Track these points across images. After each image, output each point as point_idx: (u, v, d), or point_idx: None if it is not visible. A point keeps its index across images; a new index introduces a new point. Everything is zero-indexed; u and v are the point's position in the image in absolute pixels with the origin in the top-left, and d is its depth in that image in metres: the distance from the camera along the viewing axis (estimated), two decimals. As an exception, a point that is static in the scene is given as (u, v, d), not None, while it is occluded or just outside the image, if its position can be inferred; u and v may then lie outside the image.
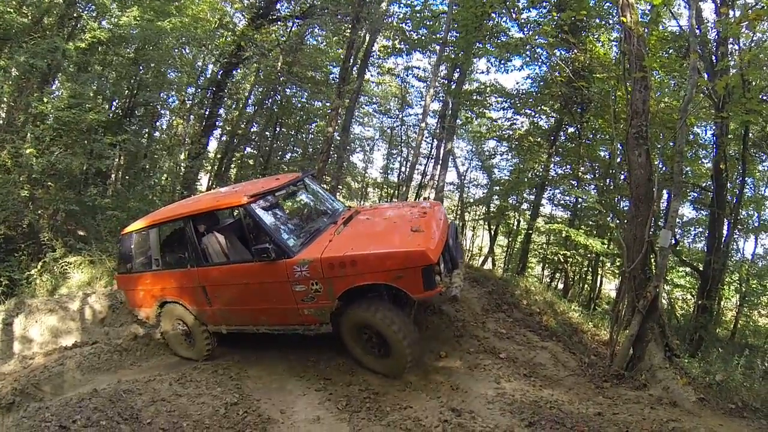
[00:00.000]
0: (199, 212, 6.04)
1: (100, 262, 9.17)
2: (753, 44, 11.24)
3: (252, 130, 19.01)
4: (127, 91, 15.01)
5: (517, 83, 29.12)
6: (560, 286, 17.63)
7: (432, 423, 4.17)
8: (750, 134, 11.65)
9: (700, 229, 15.50)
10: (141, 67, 14.46)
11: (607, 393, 5.21)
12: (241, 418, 4.12)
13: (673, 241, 10.33)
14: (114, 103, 15.22)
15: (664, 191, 11.59)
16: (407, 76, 20.15)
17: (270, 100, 18.36)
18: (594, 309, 14.35)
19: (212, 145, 18.09)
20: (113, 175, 15.10)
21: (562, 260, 15.30)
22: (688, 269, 14.57)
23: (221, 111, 16.83)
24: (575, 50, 12.48)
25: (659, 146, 11.86)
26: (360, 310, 5.12)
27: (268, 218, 5.52)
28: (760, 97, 10.88)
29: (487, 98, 17.44)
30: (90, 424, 3.60)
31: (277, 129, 19.77)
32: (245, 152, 19.56)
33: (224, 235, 6.19)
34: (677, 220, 12.77)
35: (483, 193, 20.25)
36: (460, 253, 5.94)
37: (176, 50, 15.19)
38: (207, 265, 5.77)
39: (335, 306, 5.14)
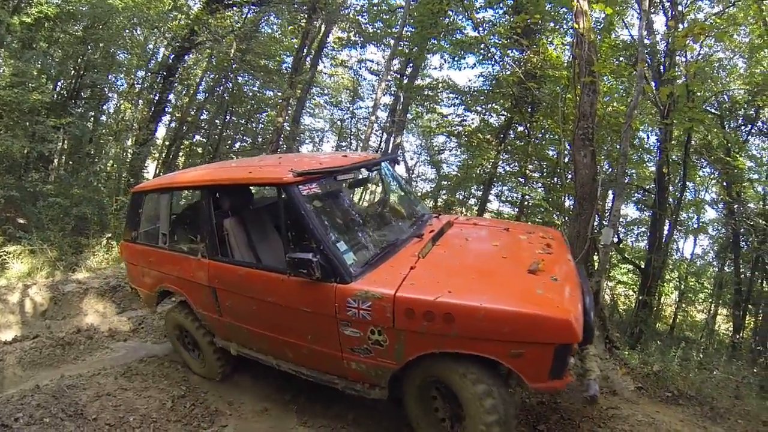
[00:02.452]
0: (224, 183, 4.34)
1: (41, 252, 8.62)
2: (699, 57, 11.59)
3: (202, 117, 18.52)
4: (73, 72, 14.29)
5: (470, 81, 29.54)
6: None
7: None
8: (692, 141, 12.02)
9: (643, 229, 16.20)
10: (89, 47, 13.71)
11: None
12: (189, 411, 4.05)
13: (616, 239, 10.22)
14: (59, 84, 14.48)
15: (609, 191, 12.06)
16: (360, 69, 20.05)
17: (221, 88, 17.77)
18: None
19: (160, 132, 17.54)
20: (56, 160, 14.15)
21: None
22: (630, 266, 15.20)
23: (171, 97, 16.29)
24: (528, 52, 12.53)
25: (606, 148, 11.97)
26: (441, 363, 3.23)
27: (318, 213, 3.65)
28: (703, 106, 11.31)
29: (439, 94, 17.30)
30: (33, 421, 3.51)
31: (228, 117, 19.10)
32: (194, 140, 18.93)
33: (255, 225, 4.55)
34: (620, 219, 13.21)
35: (431, 187, 20.25)
36: (591, 317, 3.29)
37: (127, 31, 14.37)
38: (223, 261, 4.09)
39: (399, 368, 3.34)
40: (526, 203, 16.19)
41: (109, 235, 9.68)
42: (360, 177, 4.58)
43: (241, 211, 4.55)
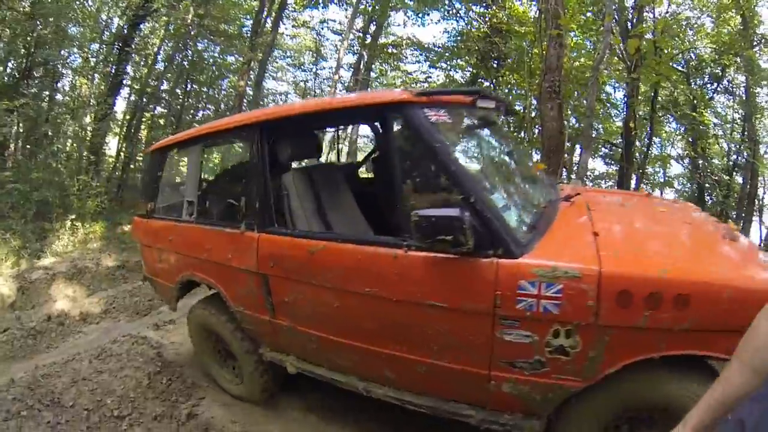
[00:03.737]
0: (284, 116, 2.94)
1: (3, 242, 7.96)
2: (667, 15, 11.36)
3: (162, 88, 17.68)
4: (23, 51, 13.14)
5: (434, 37, 28.92)
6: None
7: None
8: (659, 97, 11.92)
9: (610, 183, 16.02)
10: (38, 23, 12.66)
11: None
12: (166, 386, 3.95)
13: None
14: (9, 65, 13.45)
15: (577, 145, 12.14)
16: (323, 29, 19.10)
17: (180, 56, 17.01)
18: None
19: (120, 106, 16.56)
20: (12, 145, 13.35)
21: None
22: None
23: (128, 68, 15.40)
24: (494, 7, 12.15)
25: (572, 103, 11.67)
26: (650, 378, 2.03)
27: (457, 154, 2.28)
28: (670, 64, 10.95)
29: (403, 51, 17.13)
30: (11, 416, 3.37)
31: (189, 86, 18.33)
32: (155, 112, 18.02)
33: (326, 187, 3.25)
34: (588, 172, 12.65)
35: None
36: None
37: (77, 2, 13.52)
38: (283, 233, 2.76)
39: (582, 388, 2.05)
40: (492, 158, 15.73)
41: (73, 216, 8.74)
42: (493, 114, 3.12)
43: (310, 161, 3.25)
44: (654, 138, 12.79)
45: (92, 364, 4.22)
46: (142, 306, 6.07)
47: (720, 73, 12.95)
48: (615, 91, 14.15)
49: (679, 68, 12.39)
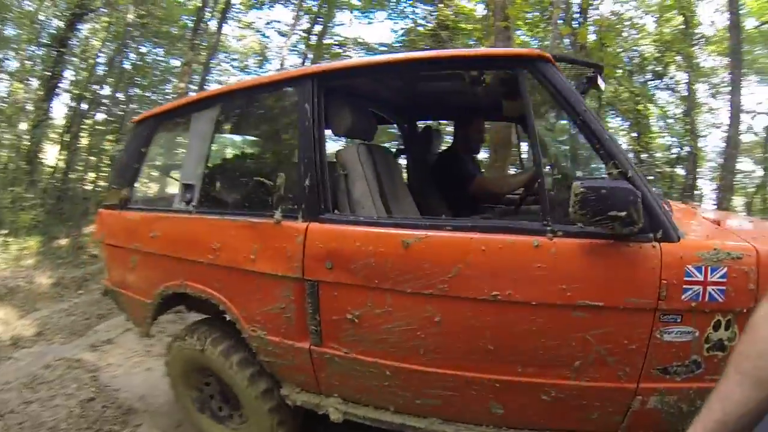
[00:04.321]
0: (351, 68, 2.21)
1: None
2: (611, 14, 11.57)
3: (103, 92, 15.52)
4: None
5: (381, 37, 28.54)
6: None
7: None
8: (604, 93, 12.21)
9: None
10: None
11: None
12: (100, 414, 3.37)
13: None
14: None
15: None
16: (268, 29, 18.26)
17: (122, 59, 15.13)
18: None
19: (59, 112, 14.57)
20: None
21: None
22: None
23: (67, 72, 13.62)
24: (440, 4, 11.88)
25: None
26: None
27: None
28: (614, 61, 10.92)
29: (348, 51, 15.76)
30: None
31: (131, 90, 16.39)
32: (96, 118, 15.67)
33: (384, 167, 2.40)
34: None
35: (341, 145, 18.78)
36: None
37: (15, 2, 11.84)
38: (349, 220, 1.92)
39: None
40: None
41: (5, 231, 7.86)
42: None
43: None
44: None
45: (22, 394, 3.61)
46: (79, 326, 5.18)
47: (662, 71, 13.14)
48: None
49: (621, 67, 12.59)
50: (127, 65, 15.04)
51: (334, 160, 2.23)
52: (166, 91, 17.03)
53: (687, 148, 13.09)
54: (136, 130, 2.81)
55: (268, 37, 18.34)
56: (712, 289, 1.53)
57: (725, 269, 1.52)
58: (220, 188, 2.39)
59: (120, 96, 15.79)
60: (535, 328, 1.59)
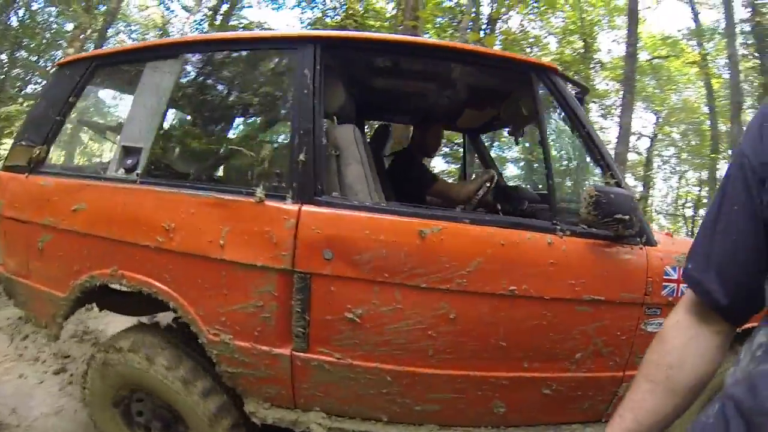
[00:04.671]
0: (358, 40, 1.91)
1: None
2: (517, 29, 12.37)
3: None
4: None
5: (288, 24, 27.88)
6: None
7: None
8: None
9: (454, 179, 16.84)
10: None
11: None
12: None
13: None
14: None
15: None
16: (172, 2, 16.83)
17: (9, 14, 13.07)
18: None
19: None
20: None
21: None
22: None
23: None
24: None
25: None
26: None
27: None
28: None
29: None
30: None
31: (17, 53, 14.14)
32: None
33: (373, 155, 2.08)
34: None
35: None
36: None
37: None
38: (351, 205, 1.61)
39: None
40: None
41: None
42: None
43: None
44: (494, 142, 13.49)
45: None
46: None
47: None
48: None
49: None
50: (13, 22, 12.71)
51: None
52: (56, 57, 14.90)
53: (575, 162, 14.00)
54: (61, 74, 2.17)
55: (172, 11, 16.84)
56: (683, 286, 1.63)
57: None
58: (178, 155, 1.91)
59: (3, 57, 13.47)
60: (545, 323, 1.56)
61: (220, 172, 1.78)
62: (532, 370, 1.60)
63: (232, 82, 2.07)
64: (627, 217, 1.53)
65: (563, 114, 1.77)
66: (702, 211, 17.86)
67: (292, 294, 1.50)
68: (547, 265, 1.53)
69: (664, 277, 1.68)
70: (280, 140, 1.63)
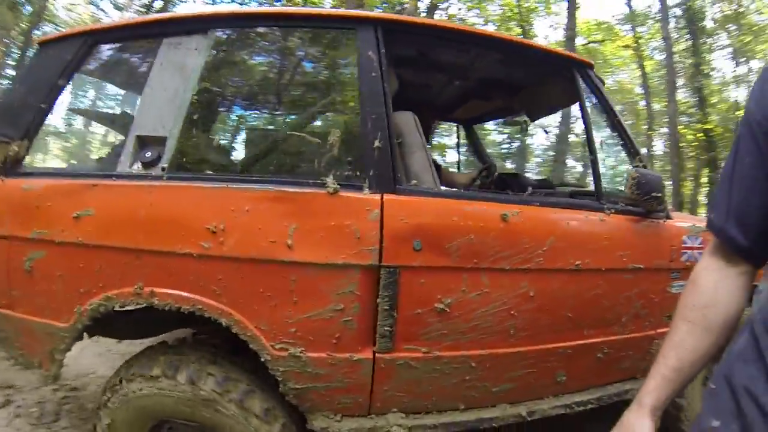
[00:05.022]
0: (424, 26, 1.79)
1: None
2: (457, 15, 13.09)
3: None
4: None
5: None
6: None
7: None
8: None
9: None
10: None
11: None
12: None
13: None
14: None
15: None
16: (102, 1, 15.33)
17: None
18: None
19: None
20: None
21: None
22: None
23: None
24: None
25: None
26: None
27: None
28: None
29: None
30: None
31: None
32: None
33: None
34: None
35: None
36: None
37: None
38: (433, 193, 1.58)
39: None
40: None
41: None
42: None
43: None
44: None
45: None
46: None
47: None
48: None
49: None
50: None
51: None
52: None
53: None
54: (45, 54, 1.79)
55: (102, 9, 15.75)
56: (697, 252, 1.98)
57: (700, 238, 2.00)
58: (214, 144, 1.70)
59: None
60: (600, 292, 1.72)
61: (269, 162, 1.58)
62: (590, 337, 1.76)
63: (276, 63, 1.83)
64: (659, 195, 1.76)
65: (598, 105, 1.94)
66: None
67: (377, 291, 1.42)
68: (602, 240, 1.70)
69: (683, 245, 1.96)
70: (344, 126, 1.45)
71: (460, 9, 13.82)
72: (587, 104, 1.89)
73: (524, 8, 14.22)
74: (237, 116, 1.87)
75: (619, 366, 1.92)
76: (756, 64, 15.52)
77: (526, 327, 1.60)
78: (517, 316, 1.56)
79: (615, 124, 1.92)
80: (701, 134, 14.01)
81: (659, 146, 19.02)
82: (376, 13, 1.68)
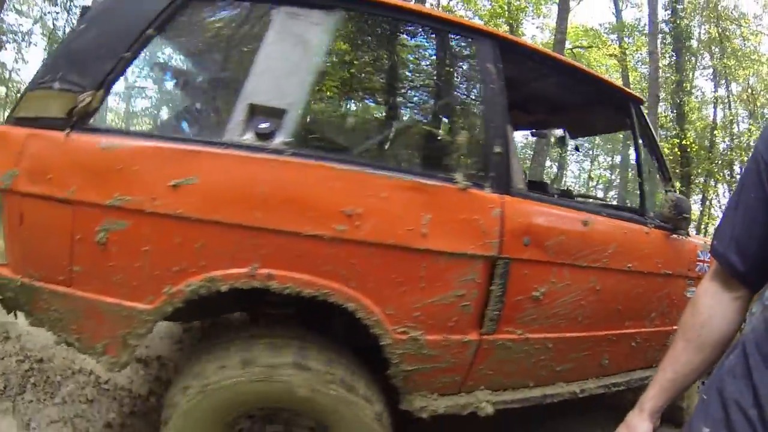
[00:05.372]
0: (526, 48, 1.96)
1: None
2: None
3: None
4: None
5: None
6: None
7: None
8: None
9: None
10: None
11: None
12: None
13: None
14: None
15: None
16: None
17: None
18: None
19: None
20: None
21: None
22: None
23: None
24: None
25: None
26: None
27: None
28: None
29: None
30: None
31: None
32: None
33: None
34: None
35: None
36: None
37: None
38: (537, 197, 1.79)
39: None
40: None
41: None
42: None
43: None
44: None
45: None
46: None
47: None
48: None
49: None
50: None
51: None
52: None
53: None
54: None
55: None
56: (706, 265, 2.43)
57: (709, 252, 2.43)
58: (343, 126, 1.80)
59: None
60: (641, 291, 2.12)
61: (395, 151, 1.63)
62: (630, 328, 2.17)
63: (402, 56, 1.84)
64: (688, 216, 2.24)
65: (642, 137, 2.37)
66: (612, 193, 21.65)
67: (492, 280, 1.63)
68: (646, 248, 2.10)
69: (697, 258, 2.44)
70: (464, 128, 1.61)
71: (449, 0, 13.63)
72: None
73: (514, 6, 14.66)
74: (358, 101, 1.80)
75: (644, 355, 2.37)
76: (736, 88, 17.04)
77: (589, 315, 1.94)
78: (585, 305, 1.91)
79: (657, 154, 2.39)
80: (677, 150, 14.63)
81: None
82: (491, 28, 1.92)
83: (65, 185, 1.40)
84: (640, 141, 2.34)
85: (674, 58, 14.81)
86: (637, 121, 2.30)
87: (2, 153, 1.46)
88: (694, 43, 16.19)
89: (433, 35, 2.01)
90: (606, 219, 2.00)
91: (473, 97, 1.90)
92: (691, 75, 16.35)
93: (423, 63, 2.05)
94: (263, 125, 1.47)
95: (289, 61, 1.56)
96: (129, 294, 1.43)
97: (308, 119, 1.58)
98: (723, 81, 17.22)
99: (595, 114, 2.92)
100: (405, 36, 1.95)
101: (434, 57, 2.04)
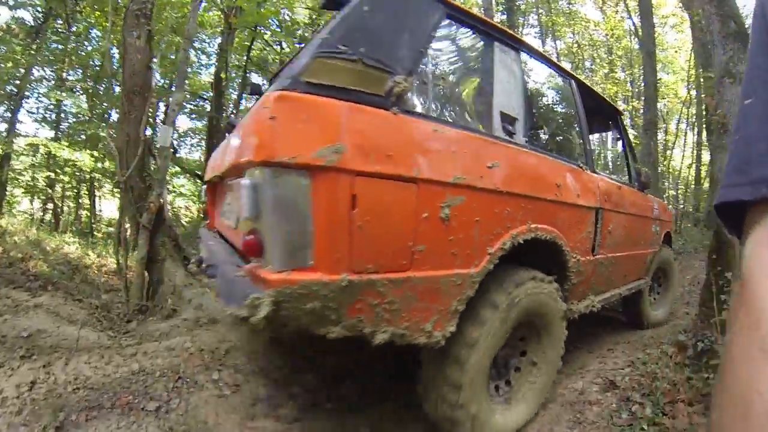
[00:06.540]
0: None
1: None
2: None
3: None
4: None
5: None
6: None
7: None
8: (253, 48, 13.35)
9: (198, 138, 15.52)
10: None
11: (135, 334, 3.62)
12: None
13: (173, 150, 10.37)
14: None
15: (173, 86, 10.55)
16: None
17: None
18: (94, 236, 11.90)
19: None
20: None
21: (48, 185, 12.44)
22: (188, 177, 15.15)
23: None
24: None
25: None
26: None
27: None
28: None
29: None
30: None
31: None
32: None
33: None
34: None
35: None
36: None
37: None
38: (597, 173, 3.10)
39: None
40: (65, 120, 13.07)
41: None
42: None
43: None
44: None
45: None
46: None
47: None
48: (211, 45, 14.06)
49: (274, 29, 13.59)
50: None
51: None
52: None
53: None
54: None
55: None
56: (657, 210, 4.51)
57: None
58: (547, 131, 3.16)
59: None
60: (640, 226, 3.81)
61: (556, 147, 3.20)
62: (637, 250, 4.02)
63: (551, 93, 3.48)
64: (650, 182, 4.18)
65: (621, 140, 4.21)
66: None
67: (593, 222, 3.05)
68: (641, 201, 3.87)
69: (654, 206, 4.26)
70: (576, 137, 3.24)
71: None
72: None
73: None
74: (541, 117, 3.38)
75: (638, 270, 4.22)
76: (560, 44, 19.65)
77: (628, 242, 3.83)
78: (626, 235, 3.78)
79: (629, 145, 4.19)
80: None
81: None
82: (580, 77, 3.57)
83: (408, 164, 1.47)
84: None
85: (506, 15, 15.21)
86: (621, 125, 4.23)
87: (315, 125, 1.33)
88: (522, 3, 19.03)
89: (561, 78, 3.30)
90: (624, 186, 3.81)
91: (577, 120, 3.37)
92: (521, 32, 18.42)
93: (556, 94, 3.61)
94: (508, 126, 2.29)
95: (509, 84, 2.44)
96: (462, 262, 1.66)
97: (532, 126, 2.82)
98: (549, 37, 19.59)
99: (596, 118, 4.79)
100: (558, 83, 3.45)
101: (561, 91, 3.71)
